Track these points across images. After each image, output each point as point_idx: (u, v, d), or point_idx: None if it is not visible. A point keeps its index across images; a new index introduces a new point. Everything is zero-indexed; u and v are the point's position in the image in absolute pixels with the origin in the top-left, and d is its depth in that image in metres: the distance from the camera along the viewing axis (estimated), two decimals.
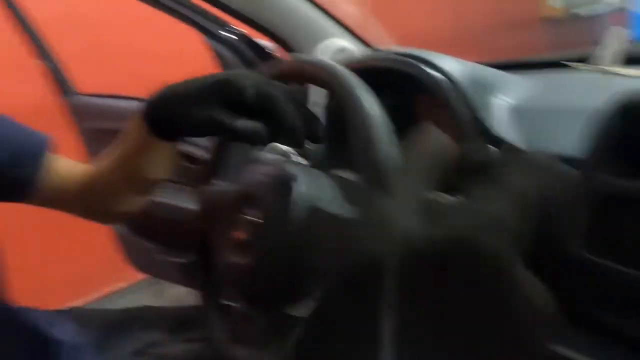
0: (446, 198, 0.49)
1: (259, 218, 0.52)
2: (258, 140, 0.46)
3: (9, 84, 1.61)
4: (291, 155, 0.79)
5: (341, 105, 0.46)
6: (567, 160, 0.45)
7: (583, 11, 3.70)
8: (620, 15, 3.22)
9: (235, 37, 0.98)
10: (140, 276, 1.96)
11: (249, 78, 0.45)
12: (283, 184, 0.52)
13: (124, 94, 1.23)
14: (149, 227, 1.23)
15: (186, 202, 1.06)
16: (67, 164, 0.63)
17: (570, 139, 0.46)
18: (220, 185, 0.64)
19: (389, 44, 1.08)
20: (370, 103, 0.44)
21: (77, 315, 0.79)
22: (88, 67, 1.40)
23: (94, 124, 1.27)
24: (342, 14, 0.97)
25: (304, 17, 0.94)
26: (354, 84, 0.45)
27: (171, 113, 0.50)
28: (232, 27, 0.99)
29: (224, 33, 0.98)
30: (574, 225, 0.42)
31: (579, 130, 0.44)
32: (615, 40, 0.69)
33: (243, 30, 0.99)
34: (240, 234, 0.53)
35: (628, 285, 0.39)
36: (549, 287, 0.43)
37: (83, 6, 1.65)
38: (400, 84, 0.60)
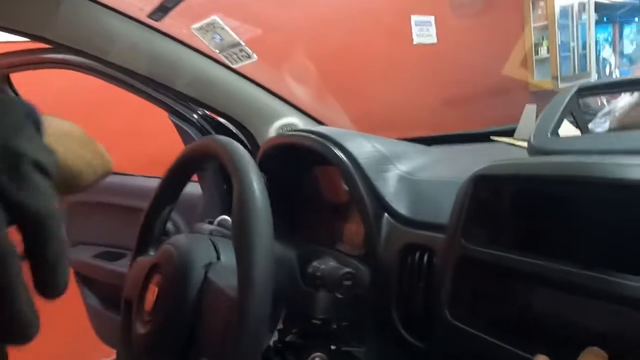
0: None
1: (160, 287, 0.53)
2: None
3: None
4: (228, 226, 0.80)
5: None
6: (438, 228, 0.47)
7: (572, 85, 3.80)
8: None
9: (196, 116, 1.05)
10: None
11: None
12: (183, 253, 0.53)
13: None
14: (116, 298, 1.23)
15: None
16: None
17: (443, 207, 0.48)
18: (150, 256, 0.65)
19: (342, 120, 1.15)
20: (252, 180, 0.45)
21: None
22: None
23: (80, 197, 1.32)
24: (295, 96, 1.04)
25: (257, 102, 1.01)
26: (244, 160, 0.47)
27: None
28: (194, 107, 1.06)
29: (187, 111, 1.05)
30: (442, 292, 0.43)
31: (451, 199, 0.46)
32: (528, 115, 0.73)
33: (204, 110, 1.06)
34: (147, 304, 0.54)
35: (483, 351, 0.39)
36: (429, 350, 0.43)
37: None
38: (314, 158, 0.64)
